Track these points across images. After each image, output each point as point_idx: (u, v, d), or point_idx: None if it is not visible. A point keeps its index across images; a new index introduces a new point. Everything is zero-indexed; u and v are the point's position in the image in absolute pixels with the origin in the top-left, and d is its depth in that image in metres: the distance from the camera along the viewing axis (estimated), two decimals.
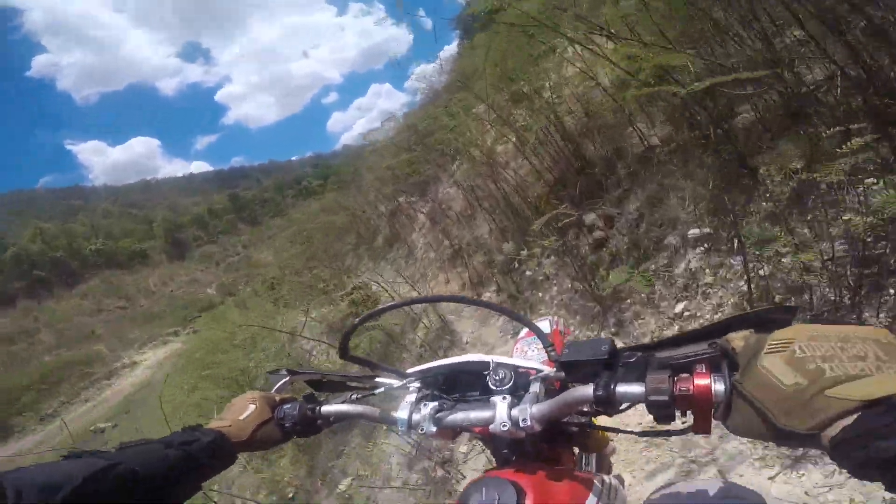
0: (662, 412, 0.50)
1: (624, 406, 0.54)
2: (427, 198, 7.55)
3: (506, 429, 0.59)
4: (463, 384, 0.74)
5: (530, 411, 0.59)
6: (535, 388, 0.64)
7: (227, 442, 0.69)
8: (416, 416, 0.67)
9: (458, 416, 0.66)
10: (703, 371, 0.49)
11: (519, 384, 0.67)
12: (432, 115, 7.52)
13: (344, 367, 1.76)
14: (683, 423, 0.53)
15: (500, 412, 0.60)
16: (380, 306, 0.82)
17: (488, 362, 0.69)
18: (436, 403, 0.67)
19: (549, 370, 0.66)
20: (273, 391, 0.83)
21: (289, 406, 0.77)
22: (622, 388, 0.53)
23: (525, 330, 1.30)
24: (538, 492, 0.56)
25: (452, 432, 0.72)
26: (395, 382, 0.78)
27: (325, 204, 12.32)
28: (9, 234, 55.64)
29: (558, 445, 0.77)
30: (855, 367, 0.37)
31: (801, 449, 1.54)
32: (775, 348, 0.41)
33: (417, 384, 0.74)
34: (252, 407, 0.74)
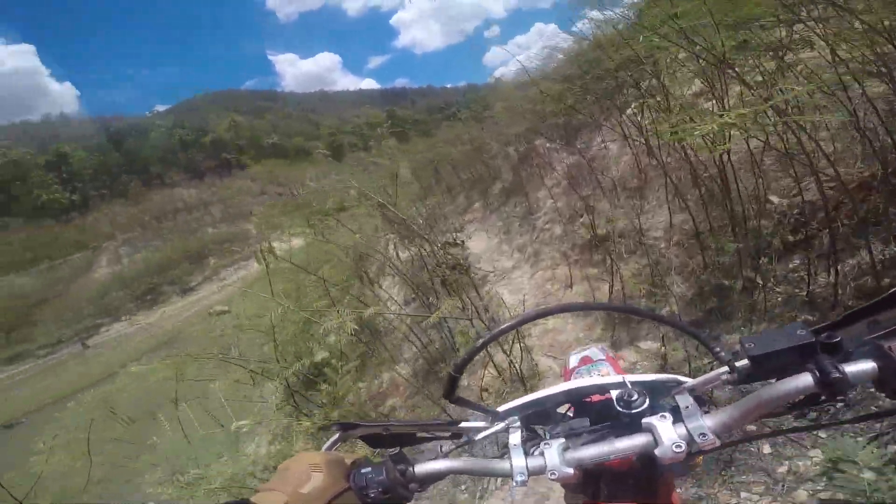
0: None
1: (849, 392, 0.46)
2: (574, 147, 5.30)
3: (680, 450, 0.49)
4: (572, 416, 0.67)
5: (708, 424, 0.51)
6: (687, 401, 0.55)
7: None
8: (534, 461, 0.56)
9: (601, 449, 0.54)
10: None
11: (656, 403, 0.59)
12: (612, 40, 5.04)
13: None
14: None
15: (664, 433, 0.51)
16: (506, 324, 0.60)
17: (611, 384, 0.63)
18: (562, 440, 0.57)
19: (716, 373, 0.55)
20: (324, 450, 0.64)
21: (369, 470, 0.58)
22: (850, 367, 0.44)
23: (575, 358, 1.21)
24: None
25: (583, 472, 0.57)
26: (484, 425, 0.65)
27: (452, 134, 11.36)
28: (211, 124, 67.97)
29: (658, 473, 0.61)
30: None
31: None
32: None
33: (517, 423, 0.63)
34: (319, 476, 0.55)
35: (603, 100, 4.46)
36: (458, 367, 0.58)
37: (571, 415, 0.69)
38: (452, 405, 0.62)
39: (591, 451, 0.54)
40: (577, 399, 0.67)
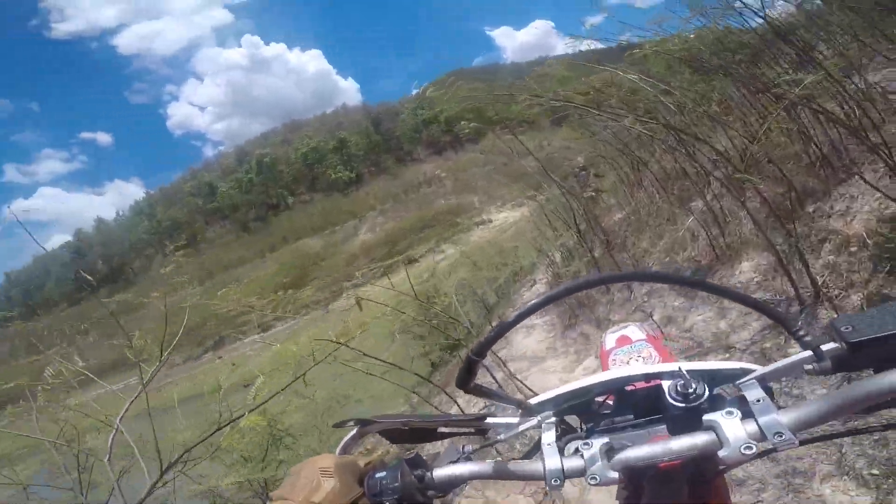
0: None
1: None
2: None
3: (751, 452, 0.42)
4: (612, 407, 0.60)
5: (784, 420, 0.42)
6: (757, 393, 0.48)
7: None
8: (572, 462, 0.48)
9: (652, 450, 0.46)
10: None
11: (716, 395, 0.51)
12: None
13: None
14: None
15: (731, 432, 0.42)
16: (539, 299, 0.51)
17: (664, 373, 0.54)
18: (605, 440, 0.49)
19: (798, 358, 0.48)
20: (338, 452, 0.60)
21: (384, 475, 0.53)
22: None
23: (612, 337, 1.13)
24: None
25: (630, 476, 0.48)
26: (514, 420, 0.59)
27: None
28: (437, 105, 76.27)
29: (713, 473, 0.52)
30: None
31: None
32: None
33: (552, 419, 0.56)
34: (331, 482, 0.51)
35: None
36: (479, 349, 0.51)
37: (611, 404, 0.60)
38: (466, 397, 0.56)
39: (640, 453, 0.46)
40: (619, 387, 0.58)
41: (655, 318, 3.33)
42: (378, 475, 0.53)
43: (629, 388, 0.57)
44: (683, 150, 3.35)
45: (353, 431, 0.61)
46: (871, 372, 0.41)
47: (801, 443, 0.42)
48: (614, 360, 1.06)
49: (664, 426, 0.51)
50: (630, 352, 1.05)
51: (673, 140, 3.39)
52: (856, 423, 0.54)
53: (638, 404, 0.56)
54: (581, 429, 0.57)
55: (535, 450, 0.55)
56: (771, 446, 0.42)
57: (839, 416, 0.42)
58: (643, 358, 1.02)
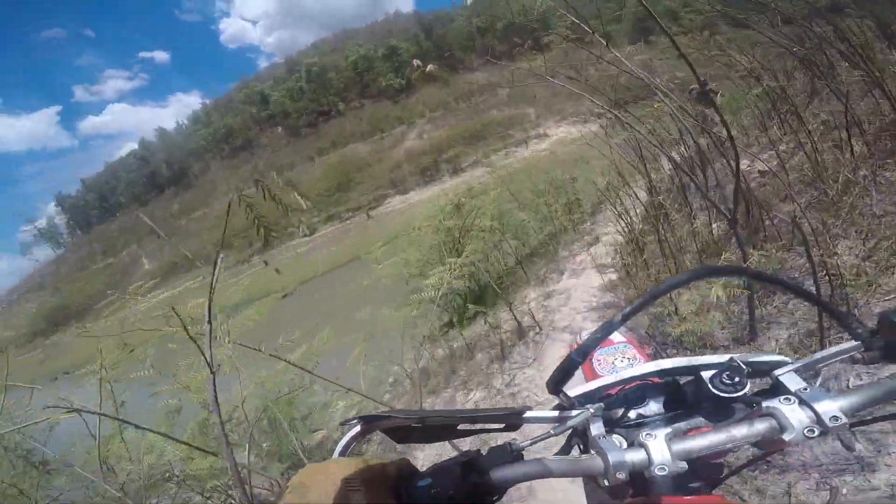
0: None
1: None
2: None
3: (814, 435, 0.44)
4: (659, 401, 0.58)
5: (840, 405, 0.45)
6: (797, 382, 0.49)
7: None
8: (634, 455, 0.46)
9: (716, 438, 0.46)
10: None
11: (753, 385, 0.53)
12: None
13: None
14: None
15: (792, 417, 0.45)
16: (676, 278, 0.54)
17: (703, 365, 0.54)
18: (668, 430, 0.48)
19: (846, 347, 0.52)
20: (337, 453, 0.52)
21: (429, 483, 0.44)
22: None
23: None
24: None
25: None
26: (550, 413, 0.55)
27: None
28: (503, 10, 71.07)
29: (712, 467, 0.61)
30: None
31: None
32: None
33: (598, 412, 0.52)
34: (357, 496, 0.39)
35: None
36: (584, 350, 0.51)
37: (640, 399, 0.58)
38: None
39: (704, 442, 0.46)
40: (649, 382, 0.58)
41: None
42: (423, 484, 0.45)
43: (650, 381, 0.57)
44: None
45: (356, 430, 0.53)
46: None
47: (851, 426, 0.44)
48: (598, 360, 1.08)
49: (700, 418, 0.51)
50: (614, 352, 1.07)
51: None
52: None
53: (668, 400, 0.56)
54: (639, 425, 0.54)
55: (568, 444, 0.55)
56: (826, 429, 0.44)
57: (886, 402, 0.45)
58: (628, 358, 1.05)
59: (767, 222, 2.90)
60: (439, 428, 0.53)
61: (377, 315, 3.83)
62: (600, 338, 0.50)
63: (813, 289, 1.92)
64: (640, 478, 0.46)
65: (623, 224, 4.09)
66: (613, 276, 4.22)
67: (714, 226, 3.38)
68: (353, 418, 0.53)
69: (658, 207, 3.39)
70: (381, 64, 64.71)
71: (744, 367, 0.50)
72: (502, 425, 0.55)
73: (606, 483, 0.45)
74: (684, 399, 0.54)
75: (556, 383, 0.51)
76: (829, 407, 0.45)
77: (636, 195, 4.12)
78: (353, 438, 0.53)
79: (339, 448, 0.52)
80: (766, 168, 3.51)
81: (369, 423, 0.52)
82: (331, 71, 70.28)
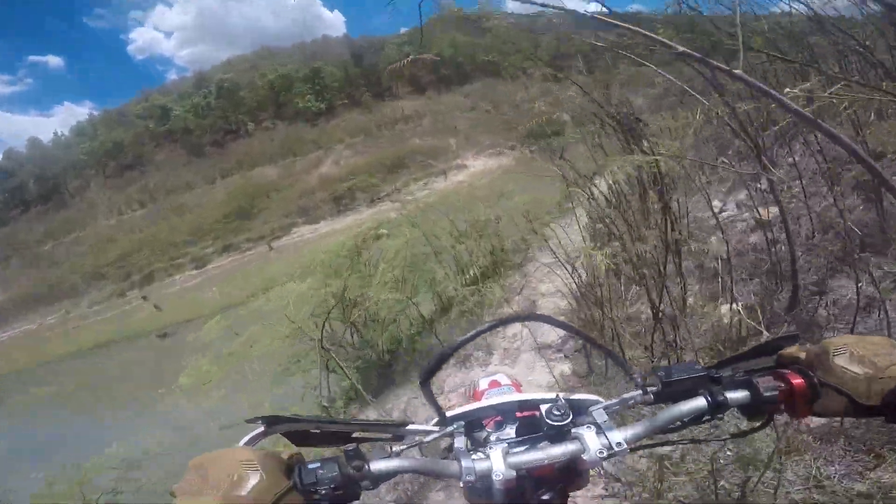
0: (766, 409, 0.61)
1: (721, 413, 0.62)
2: None
3: (603, 456, 0.60)
4: (500, 427, 0.74)
5: (624, 435, 0.61)
6: (602, 416, 0.66)
7: None
8: (481, 463, 0.59)
9: (537, 455, 0.61)
10: (790, 373, 0.61)
11: (576, 417, 0.66)
12: None
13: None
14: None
15: (591, 441, 0.61)
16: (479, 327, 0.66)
17: (542, 400, 0.70)
18: (504, 445, 0.63)
19: (632, 395, 0.67)
20: (241, 446, 0.56)
21: (318, 466, 0.53)
22: (731, 395, 0.62)
23: (485, 381, 1.41)
24: None
25: (518, 477, 0.60)
26: (429, 428, 0.69)
27: None
28: (435, 42, 71.70)
29: (573, 480, 0.68)
30: (891, 358, 0.54)
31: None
32: (840, 351, 0.57)
33: (462, 429, 0.68)
34: (256, 475, 0.46)
35: None
36: (452, 348, 0.63)
37: (499, 424, 0.74)
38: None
39: (530, 456, 0.61)
40: (510, 412, 0.73)
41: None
42: (312, 466, 0.53)
43: (517, 413, 0.72)
44: None
45: (260, 429, 0.61)
46: (675, 403, 0.63)
47: (632, 450, 0.62)
48: (487, 396, 1.18)
49: (545, 441, 0.65)
50: (500, 393, 1.22)
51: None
52: (672, 436, 0.69)
53: (520, 426, 0.70)
54: (487, 441, 0.67)
55: (446, 453, 0.68)
56: (615, 452, 0.59)
57: (657, 432, 0.63)
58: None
59: None
60: (334, 434, 0.65)
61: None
62: (464, 342, 0.64)
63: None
64: (489, 485, 0.59)
65: (570, 278, 3.01)
66: (566, 368, 3.16)
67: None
68: (257, 417, 0.61)
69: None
70: (302, 85, 62.70)
71: (566, 403, 0.65)
72: (389, 435, 0.69)
73: (461, 484, 0.61)
74: (534, 426, 0.68)
75: (426, 376, 0.63)
76: (618, 436, 0.60)
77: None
78: (256, 437, 0.60)
79: (241, 443, 0.57)
80: None
81: (272, 423, 0.61)
82: (244, 88, 67.53)
